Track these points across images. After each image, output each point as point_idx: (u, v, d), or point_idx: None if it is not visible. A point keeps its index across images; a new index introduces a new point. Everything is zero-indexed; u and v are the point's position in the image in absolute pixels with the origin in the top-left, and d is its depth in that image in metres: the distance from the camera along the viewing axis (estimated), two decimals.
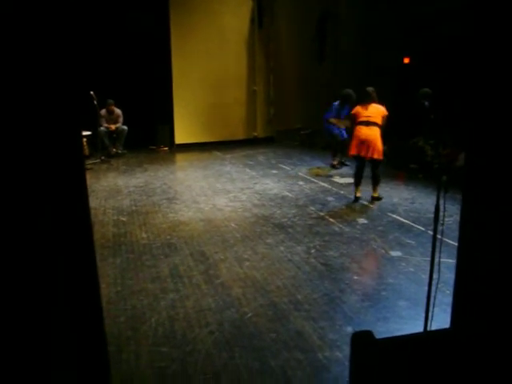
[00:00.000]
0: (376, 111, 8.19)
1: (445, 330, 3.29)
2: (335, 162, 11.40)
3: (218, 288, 5.11)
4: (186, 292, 5.01)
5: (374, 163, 8.30)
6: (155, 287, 5.12)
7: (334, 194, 8.97)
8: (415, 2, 11.94)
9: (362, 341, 2.60)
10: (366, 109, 8.24)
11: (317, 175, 10.48)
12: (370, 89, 8.37)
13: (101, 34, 12.46)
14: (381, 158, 8.21)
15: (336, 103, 11.12)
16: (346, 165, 11.35)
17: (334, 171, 10.90)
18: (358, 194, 8.49)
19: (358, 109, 8.39)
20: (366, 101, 8.33)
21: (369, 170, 8.42)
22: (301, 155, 12.92)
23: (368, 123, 8.13)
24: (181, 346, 4.02)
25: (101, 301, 2.81)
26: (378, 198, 8.47)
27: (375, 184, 8.50)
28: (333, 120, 11.03)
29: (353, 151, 8.32)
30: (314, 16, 14.71)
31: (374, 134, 8.09)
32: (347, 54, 14.18)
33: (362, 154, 8.16)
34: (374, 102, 8.29)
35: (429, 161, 10.63)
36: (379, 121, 8.14)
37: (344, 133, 11.11)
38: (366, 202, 8.33)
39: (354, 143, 8.27)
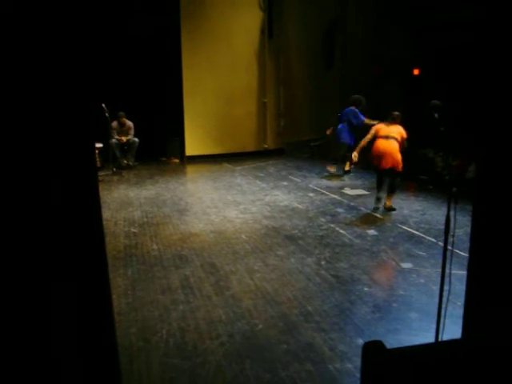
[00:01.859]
0: (396, 130, 8.50)
1: (455, 340, 3.28)
2: (347, 168, 11.68)
3: (228, 299, 5.12)
4: (196, 303, 5.03)
5: (392, 173, 8.46)
6: (166, 298, 5.14)
7: (345, 205, 8.97)
8: (426, 12, 11.95)
9: (373, 350, 2.60)
10: (388, 127, 8.57)
11: (329, 182, 10.48)
12: (396, 113, 8.72)
13: (113, 47, 12.57)
14: (398, 168, 8.39)
15: (353, 108, 11.48)
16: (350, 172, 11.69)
17: (343, 182, 10.91)
18: (378, 206, 8.66)
19: (382, 126, 8.72)
20: (390, 121, 8.66)
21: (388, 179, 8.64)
22: (311, 167, 12.92)
23: (387, 137, 8.43)
24: (191, 357, 4.03)
25: (113, 312, 2.83)
26: (390, 208, 8.57)
27: (390, 193, 8.64)
28: (366, 121, 11.27)
29: (374, 162, 8.62)
30: (322, 25, 14.77)
31: (391, 147, 8.34)
32: (356, 63, 14.20)
33: (382, 164, 8.40)
34: (398, 124, 8.63)
35: (439, 172, 10.63)
36: (398, 137, 8.43)
37: (353, 140, 11.35)
38: (376, 214, 8.33)
39: (373, 155, 8.55)
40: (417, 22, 12.32)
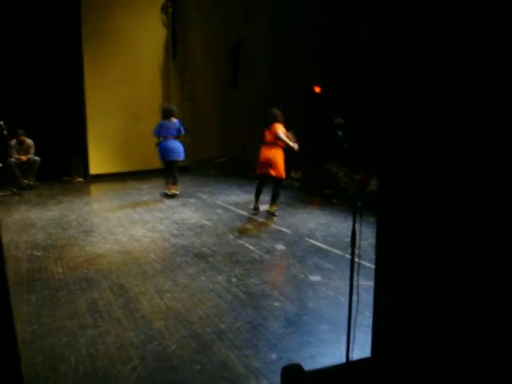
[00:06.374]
0: (271, 133, 8.88)
1: (367, 359, 3.37)
2: (170, 191, 11.30)
3: (139, 321, 5.00)
4: (106, 327, 4.87)
5: (275, 181, 9.07)
6: (73, 324, 4.94)
7: (253, 221, 9.05)
8: (325, 33, 12.34)
9: (292, 374, 2.62)
10: (268, 131, 8.92)
11: (236, 198, 10.53)
12: (273, 111, 9.00)
13: (11, 64, 12.11)
14: (279, 175, 8.92)
15: (176, 120, 11.19)
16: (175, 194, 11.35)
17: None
18: (257, 206, 9.35)
19: (265, 132, 8.99)
20: (269, 122, 8.96)
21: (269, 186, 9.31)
22: (217, 183, 13.01)
23: (266, 143, 8.90)
24: None
25: (16, 341, 2.69)
26: (273, 214, 9.21)
27: (272, 200, 9.24)
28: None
29: (257, 171, 9.20)
30: (228, 43, 14.95)
31: (272, 154, 8.83)
32: (260, 80, 14.44)
33: (264, 172, 8.96)
34: (277, 122, 8.91)
35: (343, 186, 10.98)
36: (273, 138, 8.84)
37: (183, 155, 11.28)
38: (283, 229, 8.45)
39: (258, 163, 9.11)
40: (318, 41, 12.69)
